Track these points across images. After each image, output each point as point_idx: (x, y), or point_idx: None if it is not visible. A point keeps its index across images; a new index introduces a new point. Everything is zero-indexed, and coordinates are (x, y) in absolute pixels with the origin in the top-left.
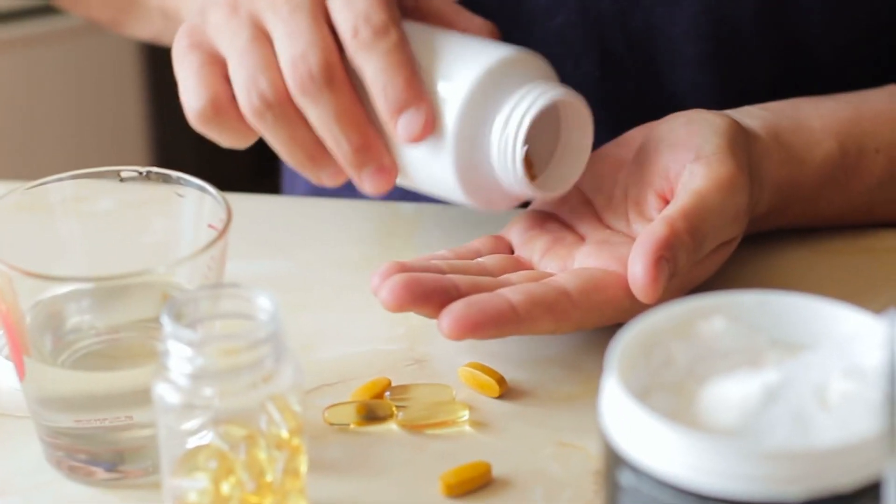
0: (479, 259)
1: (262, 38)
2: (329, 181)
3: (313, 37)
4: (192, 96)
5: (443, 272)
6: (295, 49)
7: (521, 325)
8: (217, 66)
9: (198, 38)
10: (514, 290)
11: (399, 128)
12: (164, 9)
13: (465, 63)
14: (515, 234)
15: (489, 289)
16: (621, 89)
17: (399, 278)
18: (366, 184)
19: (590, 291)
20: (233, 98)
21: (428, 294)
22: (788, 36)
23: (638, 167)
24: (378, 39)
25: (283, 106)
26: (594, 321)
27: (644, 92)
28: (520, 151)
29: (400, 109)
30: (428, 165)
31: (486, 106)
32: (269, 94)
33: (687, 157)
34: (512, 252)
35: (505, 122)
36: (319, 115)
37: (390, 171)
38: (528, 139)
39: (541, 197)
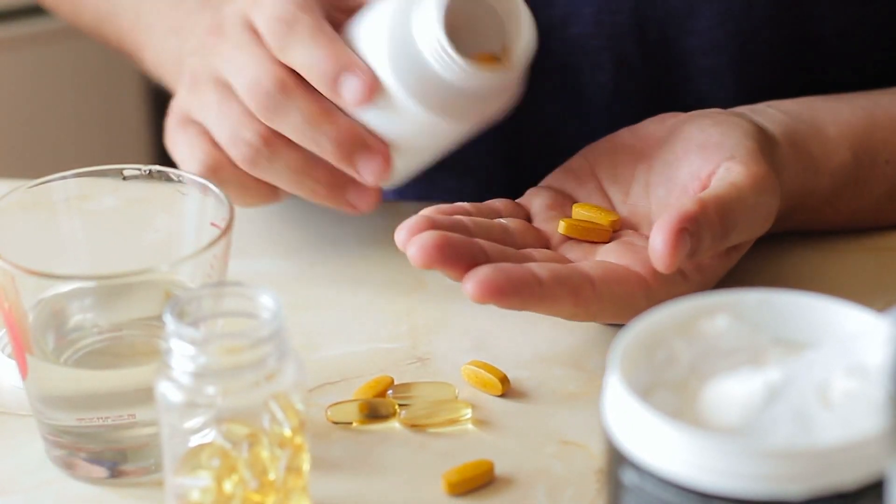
0: (502, 220)
1: (227, 92)
2: (360, 202)
3: (256, 60)
4: (189, 166)
5: (470, 232)
6: (246, 80)
7: (543, 301)
8: (204, 134)
9: (180, 115)
10: (541, 266)
11: (345, 97)
12: (118, 35)
13: (380, 10)
14: (536, 206)
15: (515, 260)
16: (636, 100)
17: (429, 236)
18: (365, 173)
19: (612, 283)
20: (227, 158)
21: (457, 255)
22: (804, 48)
23: (666, 167)
24: (290, 29)
25: (268, 144)
26: (610, 314)
27: (659, 103)
28: (441, 33)
29: (335, 79)
30: (401, 120)
31: (408, 27)
32: (251, 138)
33: (720, 156)
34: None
35: (422, 21)
36: (293, 128)
37: (380, 149)
38: (465, 39)
39: (501, 78)
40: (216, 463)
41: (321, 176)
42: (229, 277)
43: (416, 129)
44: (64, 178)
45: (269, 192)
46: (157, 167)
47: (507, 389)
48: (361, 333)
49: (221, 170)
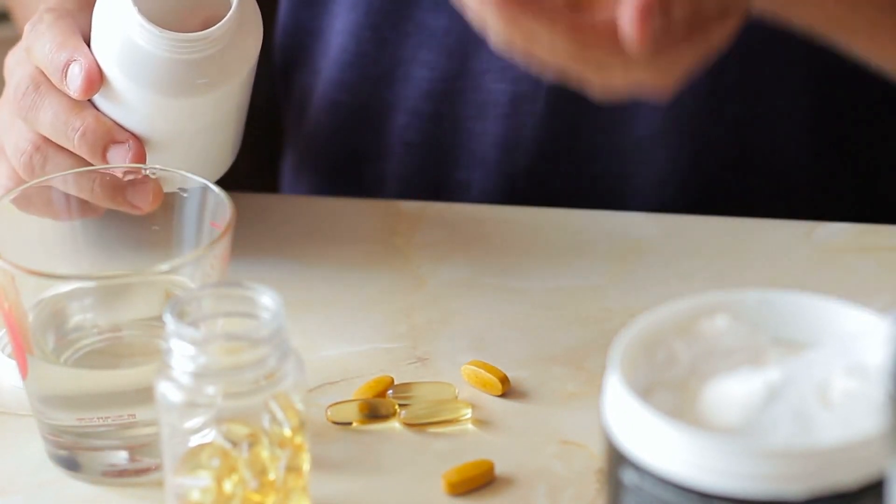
0: None
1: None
2: (139, 200)
3: (18, 62)
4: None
5: None
6: (11, 84)
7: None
8: (3, 153)
9: None
10: None
11: (69, 86)
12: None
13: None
14: None
15: None
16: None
17: None
18: (116, 161)
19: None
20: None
21: None
22: None
23: None
24: (33, 28)
25: (38, 148)
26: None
27: None
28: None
29: (62, 70)
30: (133, 106)
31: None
32: (24, 145)
33: None
34: None
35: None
36: (48, 125)
37: (127, 140)
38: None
39: (203, 43)
40: (216, 463)
41: (95, 176)
42: (229, 277)
43: (150, 113)
44: (64, 178)
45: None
46: (158, 167)
47: (507, 389)
48: (361, 333)
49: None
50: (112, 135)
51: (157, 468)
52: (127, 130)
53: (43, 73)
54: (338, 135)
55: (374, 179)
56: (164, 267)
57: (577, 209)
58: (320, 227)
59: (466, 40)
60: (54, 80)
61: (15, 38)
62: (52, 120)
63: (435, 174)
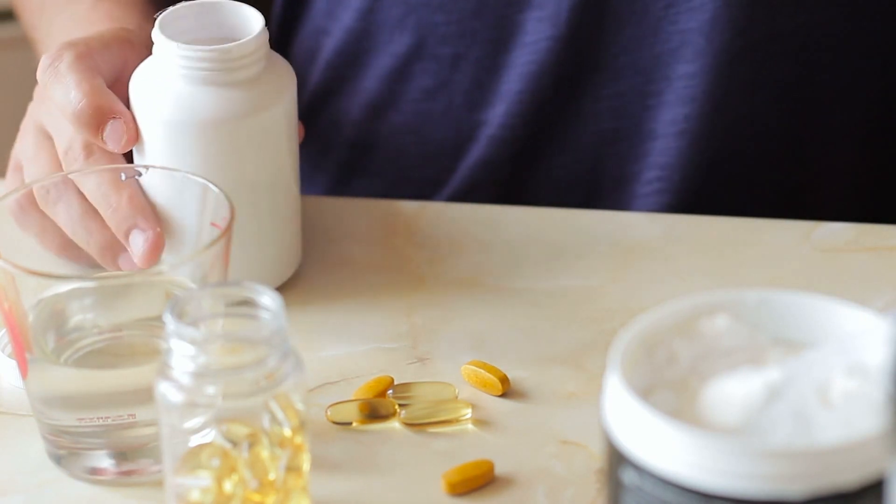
0: None
1: (45, 140)
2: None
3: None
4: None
5: None
6: (61, 136)
7: None
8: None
9: (13, 158)
10: None
11: (107, 141)
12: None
13: None
14: None
15: None
16: (654, 9)
17: None
18: (135, 249)
19: None
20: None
21: None
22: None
23: None
24: (53, 71)
25: (58, 184)
26: None
27: (671, 11)
28: None
29: (99, 127)
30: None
31: None
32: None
33: None
34: None
35: None
36: (89, 191)
37: (150, 228)
38: None
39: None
40: (216, 463)
41: (96, 229)
42: (229, 277)
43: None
44: (64, 178)
45: (64, 243)
46: (157, 167)
47: (507, 389)
48: (361, 333)
49: (28, 208)
50: (135, 220)
51: (158, 468)
52: (151, 216)
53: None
54: (349, 124)
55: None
56: (164, 267)
57: (577, 209)
58: (321, 226)
59: None
60: (84, 135)
61: (15, 39)
62: (93, 188)
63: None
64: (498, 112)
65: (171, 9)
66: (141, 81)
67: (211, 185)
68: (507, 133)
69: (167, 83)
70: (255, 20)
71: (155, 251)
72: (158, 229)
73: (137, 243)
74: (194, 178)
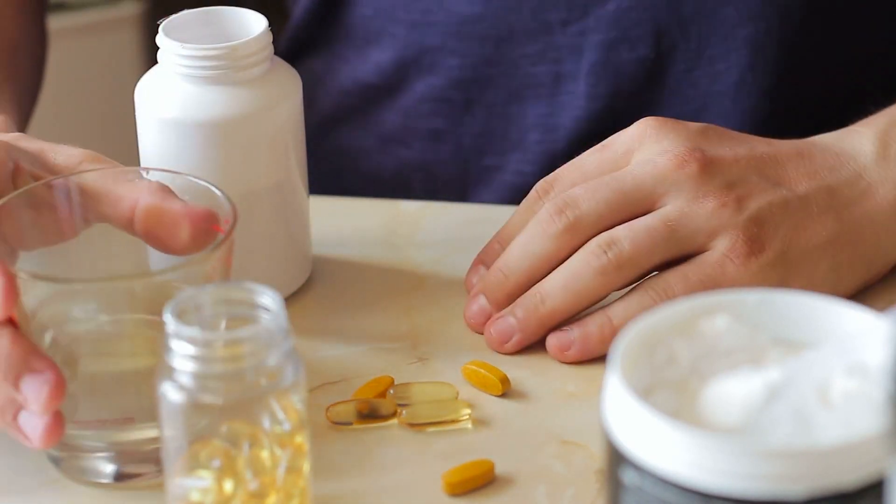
0: None
1: None
2: (31, 431)
3: None
4: None
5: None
6: None
7: None
8: None
9: None
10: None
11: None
12: None
13: None
14: None
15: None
16: (674, 72)
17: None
18: (30, 398)
19: None
20: None
21: None
22: (840, 18)
23: None
24: None
25: None
26: None
27: (694, 73)
28: None
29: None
30: None
31: None
32: None
33: None
34: None
35: None
36: None
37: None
38: None
39: None
40: (216, 463)
41: None
42: (231, 279)
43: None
44: (64, 178)
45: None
46: (159, 169)
47: (507, 389)
48: (361, 333)
49: None
50: (30, 364)
51: (157, 470)
52: (46, 359)
53: None
54: (352, 124)
55: (396, 170)
56: (164, 267)
57: None
58: (321, 226)
59: (499, 26)
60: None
61: (70, 29)
62: None
63: (464, 161)
64: (512, 159)
65: (174, 16)
66: (146, 85)
67: (214, 189)
68: (520, 179)
69: (172, 84)
70: (257, 23)
71: (57, 396)
72: (56, 368)
73: (33, 389)
74: (197, 181)
